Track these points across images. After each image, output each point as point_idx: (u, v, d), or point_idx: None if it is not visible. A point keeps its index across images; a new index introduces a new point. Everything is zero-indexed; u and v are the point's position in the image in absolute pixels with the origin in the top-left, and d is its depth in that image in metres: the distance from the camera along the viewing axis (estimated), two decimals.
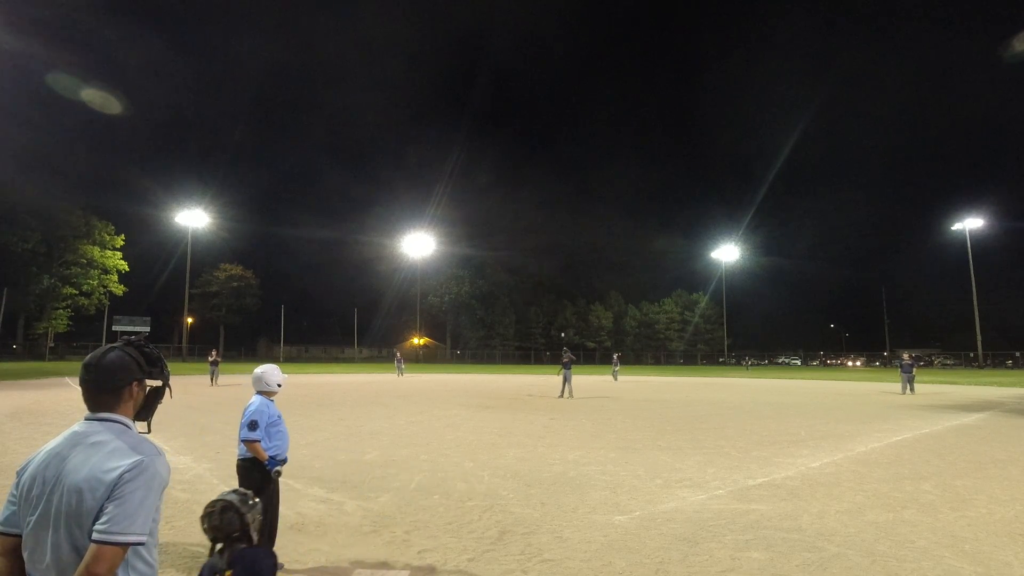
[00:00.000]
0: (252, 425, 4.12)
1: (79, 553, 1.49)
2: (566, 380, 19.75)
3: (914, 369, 22.20)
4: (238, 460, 4.21)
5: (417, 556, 4.45)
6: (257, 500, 2.49)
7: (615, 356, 34.69)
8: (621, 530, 5.09)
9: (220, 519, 2.33)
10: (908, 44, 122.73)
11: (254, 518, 2.41)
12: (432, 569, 4.21)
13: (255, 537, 2.40)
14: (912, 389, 21.68)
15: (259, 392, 4.36)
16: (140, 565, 1.55)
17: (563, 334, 76.37)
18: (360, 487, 6.58)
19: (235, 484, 6.52)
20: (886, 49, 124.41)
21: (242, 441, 4.12)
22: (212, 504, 2.38)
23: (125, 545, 1.48)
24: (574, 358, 20.14)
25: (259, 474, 4.11)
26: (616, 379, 31.50)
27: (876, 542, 4.79)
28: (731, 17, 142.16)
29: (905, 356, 23.07)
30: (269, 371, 4.44)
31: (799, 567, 4.24)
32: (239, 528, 2.34)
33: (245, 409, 4.23)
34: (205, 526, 2.36)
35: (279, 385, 4.44)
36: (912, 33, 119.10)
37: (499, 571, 4.17)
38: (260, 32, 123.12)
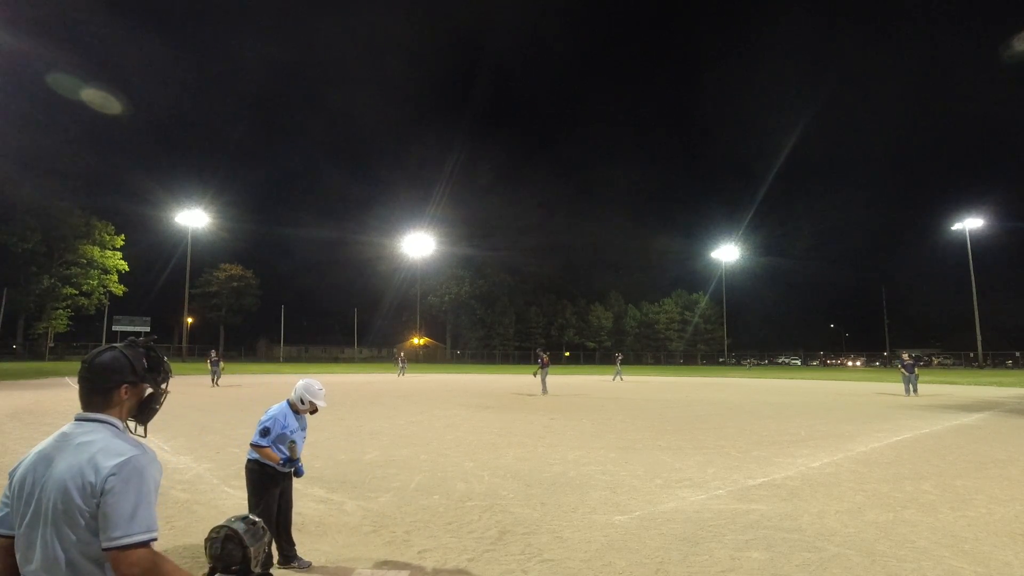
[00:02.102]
0: (264, 432, 4.08)
1: (67, 554, 1.50)
2: (542, 378, 21.83)
3: (916, 369, 21.45)
4: (247, 460, 4.20)
5: (417, 556, 4.45)
6: (266, 530, 2.35)
7: (619, 357, 33.45)
8: (621, 530, 5.09)
9: (221, 549, 2.14)
10: (908, 44, 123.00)
11: (258, 551, 2.25)
12: (432, 569, 4.21)
13: (256, 571, 2.27)
14: (915, 390, 20.96)
15: (289, 400, 4.29)
16: None
17: (552, 342, 76.25)
18: (360, 487, 6.57)
19: (234, 484, 6.53)
20: (886, 49, 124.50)
21: (251, 446, 4.11)
22: (217, 530, 2.18)
23: (135, 546, 1.49)
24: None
25: (266, 476, 4.11)
26: (616, 379, 30.81)
27: (876, 542, 4.79)
28: (731, 17, 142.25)
29: (906, 356, 22.20)
30: (303, 387, 4.27)
31: (799, 567, 4.24)
32: (239, 561, 2.15)
33: (269, 413, 4.21)
34: (207, 552, 2.17)
35: (302, 402, 4.25)
36: (912, 33, 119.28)
37: (499, 571, 4.17)
38: (260, 32, 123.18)
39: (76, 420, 1.65)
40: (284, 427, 4.17)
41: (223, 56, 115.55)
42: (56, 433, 1.65)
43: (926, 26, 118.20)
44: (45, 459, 1.58)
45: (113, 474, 1.51)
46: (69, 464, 1.54)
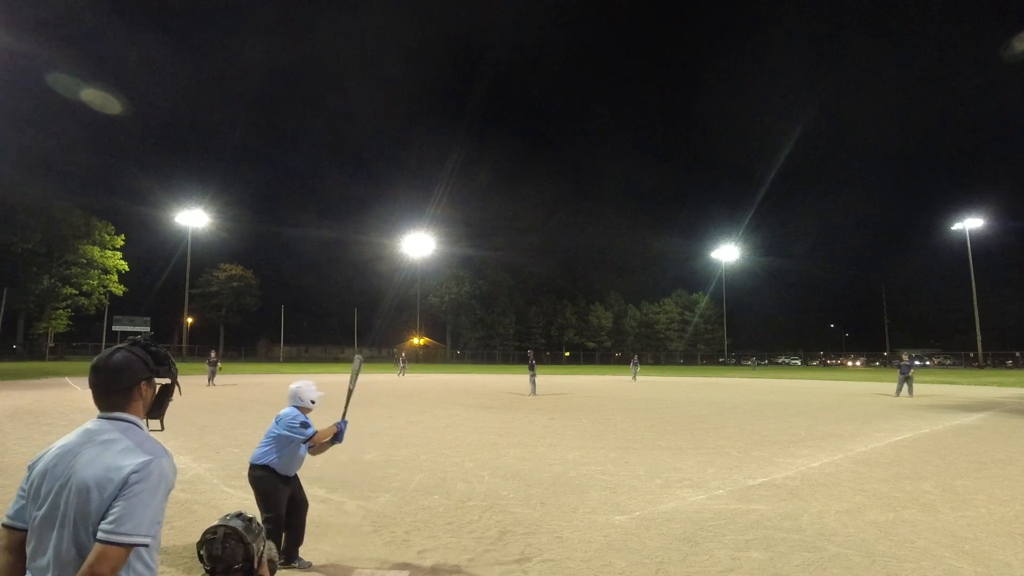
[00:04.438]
0: (304, 425, 4.13)
1: (81, 551, 1.49)
2: (532, 378, 21.66)
3: (912, 370, 21.09)
4: (251, 467, 4.19)
5: (417, 556, 4.45)
6: (262, 526, 2.25)
7: (635, 358, 37.76)
8: (621, 530, 5.09)
9: (222, 549, 2.04)
10: (908, 44, 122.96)
11: (259, 548, 2.17)
12: (432, 569, 4.21)
13: (258, 569, 2.16)
14: (910, 391, 20.74)
15: (294, 406, 4.34)
16: (140, 567, 1.55)
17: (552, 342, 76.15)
18: (360, 487, 6.58)
19: (234, 484, 6.53)
20: (886, 49, 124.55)
21: (304, 443, 4.14)
22: (213, 530, 2.07)
23: (130, 546, 1.48)
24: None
25: (275, 481, 4.13)
26: (635, 379, 33.62)
27: (876, 542, 4.79)
28: (731, 17, 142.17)
29: (904, 356, 22.03)
30: (304, 387, 4.37)
31: (799, 567, 4.24)
32: (242, 559, 2.05)
33: (280, 416, 4.23)
34: (203, 554, 2.05)
35: (312, 402, 4.34)
36: (912, 33, 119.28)
37: (499, 571, 4.17)
38: (260, 32, 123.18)
39: (99, 418, 1.66)
40: (308, 423, 4.24)
41: (223, 56, 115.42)
42: (80, 429, 1.65)
43: (926, 26, 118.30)
44: (68, 454, 1.58)
45: (135, 471, 1.52)
46: (92, 461, 1.54)
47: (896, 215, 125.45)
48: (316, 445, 4.21)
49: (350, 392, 4.43)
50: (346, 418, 4.33)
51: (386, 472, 7.37)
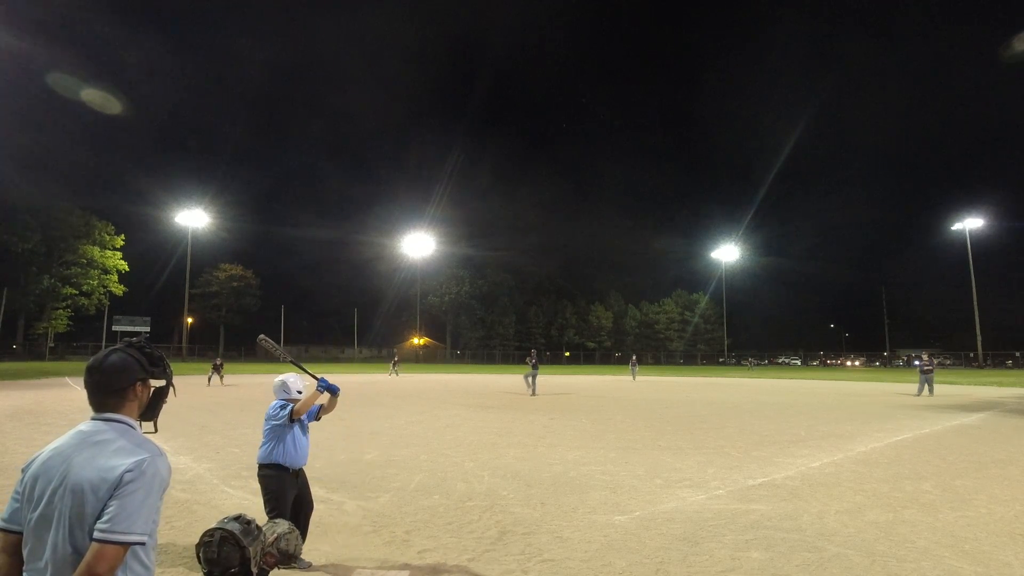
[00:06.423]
0: (283, 407, 4.17)
1: (78, 552, 1.49)
2: (533, 378, 21.50)
3: (933, 371, 21.30)
4: (259, 467, 4.21)
5: (417, 556, 4.45)
6: (261, 528, 2.23)
7: (633, 357, 38.78)
8: (621, 530, 5.09)
9: (218, 552, 2.08)
10: (908, 44, 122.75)
11: (256, 551, 2.14)
12: (432, 569, 4.21)
13: (255, 572, 2.14)
14: (931, 390, 20.90)
15: (284, 400, 4.38)
16: (137, 567, 1.55)
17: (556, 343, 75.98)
18: (360, 487, 6.58)
19: (234, 484, 6.53)
20: (886, 49, 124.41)
21: (292, 421, 4.17)
22: (210, 533, 2.10)
23: (126, 544, 1.49)
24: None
25: (281, 481, 4.14)
26: (635, 378, 34.36)
27: (876, 542, 4.79)
28: (731, 17, 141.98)
29: (924, 356, 22.30)
30: (289, 379, 4.43)
31: (799, 567, 4.24)
32: (238, 563, 2.09)
33: (267, 412, 4.27)
34: (200, 556, 2.09)
35: (299, 392, 4.40)
36: (912, 33, 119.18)
37: (499, 571, 4.17)
38: (260, 32, 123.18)
39: (92, 419, 1.67)
40: (287, 406, 4.27)
41: (223, 56, 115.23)
42: (73, 431, 1.66)
43: (926, 26, 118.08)
44: (61, 456, 1.58)
45: (129, 470, 1.53)
46: (86, 462, 1.55)
47: (896, 215, 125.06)
48: (313, 408, 4.25)
49: (293, 362, 4.41)
50: (318, 375, 4.27)
51: (386, 472, 7.37)
